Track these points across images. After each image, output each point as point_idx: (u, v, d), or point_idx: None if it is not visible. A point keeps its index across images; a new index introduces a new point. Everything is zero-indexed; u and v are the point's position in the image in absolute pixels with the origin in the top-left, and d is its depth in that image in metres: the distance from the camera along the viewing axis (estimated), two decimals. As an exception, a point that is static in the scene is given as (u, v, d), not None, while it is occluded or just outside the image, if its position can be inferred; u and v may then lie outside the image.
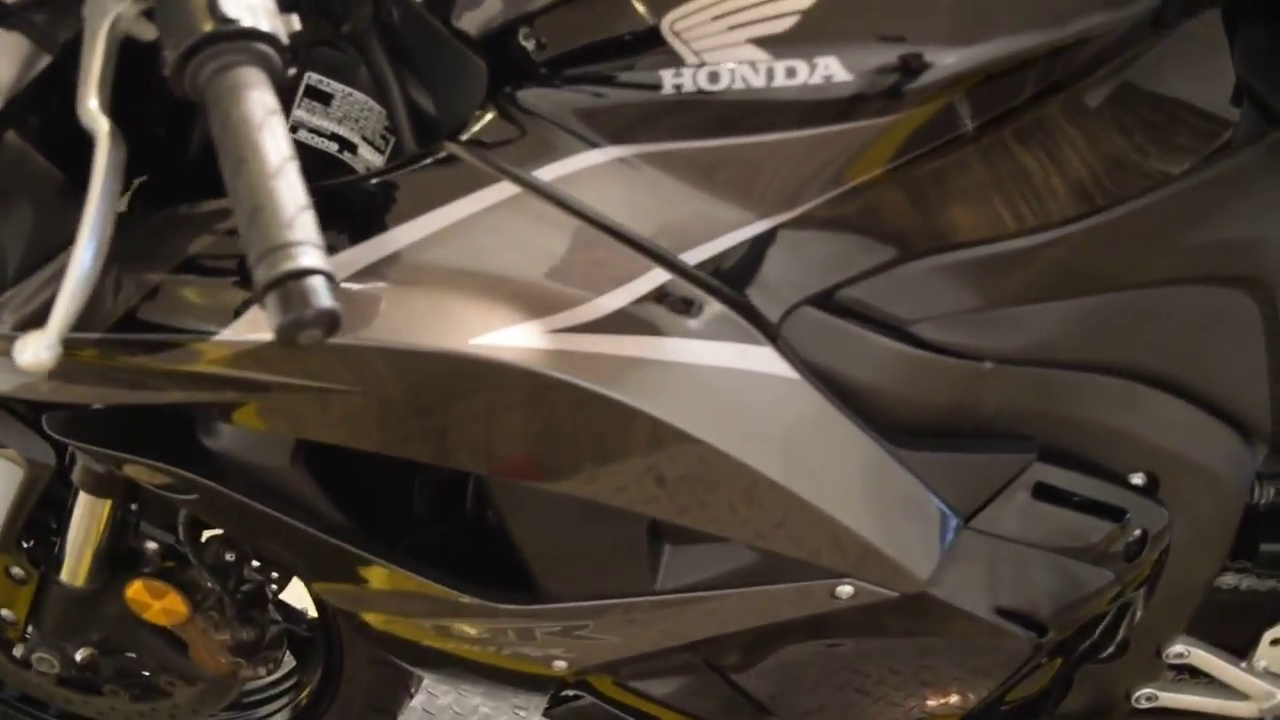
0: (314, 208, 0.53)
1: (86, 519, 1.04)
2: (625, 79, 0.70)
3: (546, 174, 0.71)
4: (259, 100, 0.54)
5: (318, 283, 0.50)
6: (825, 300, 0.75)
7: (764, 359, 0.74)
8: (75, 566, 1.07)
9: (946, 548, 0.82)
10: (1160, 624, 0.98)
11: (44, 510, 1.10)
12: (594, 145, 0.71)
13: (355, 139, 0.78)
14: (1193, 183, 0.78)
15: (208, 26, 0.54)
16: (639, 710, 0.95)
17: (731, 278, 0.73)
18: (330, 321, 0.50)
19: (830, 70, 0.67)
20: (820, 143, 0.70)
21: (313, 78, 0.77)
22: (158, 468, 0.83)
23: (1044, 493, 0.86)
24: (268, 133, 0.54)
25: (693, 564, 0.83)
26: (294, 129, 0.77)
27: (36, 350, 0.60)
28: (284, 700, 1.36)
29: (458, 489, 0.89)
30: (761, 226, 0.72)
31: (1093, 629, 0.93)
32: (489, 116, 0.72)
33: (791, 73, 0.67)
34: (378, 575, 0.87)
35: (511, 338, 0.69)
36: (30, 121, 0.70)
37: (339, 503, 0.85)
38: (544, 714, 1.01)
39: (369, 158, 0.78)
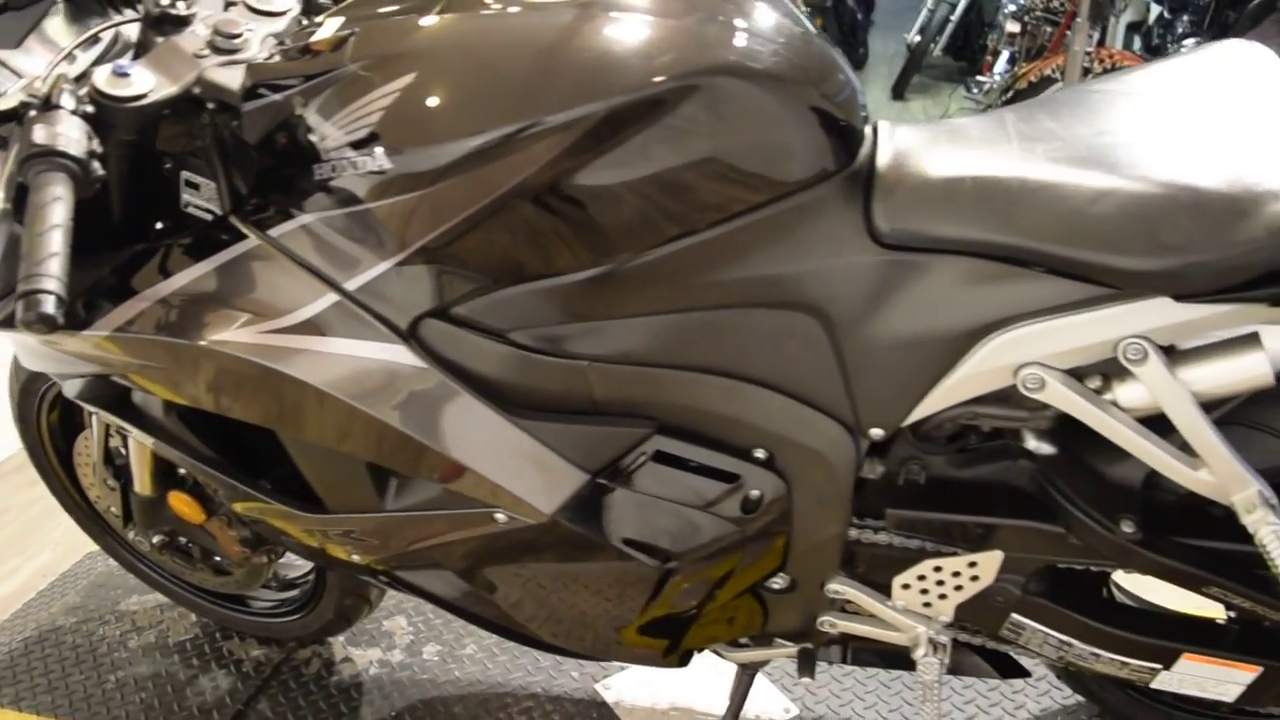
0: (64, 256, 0.92)
1: (137, 450, 1.56)
2: (304, 172, 1.07)
3: (275, 232, 1.11)
4: (50, 192, 0.96)
5: (46, 299, 0.91)
6: (443, 314, 1.09)
7: (398, 353, 1.09)
8: (139, 480, 1.59)
9: (574, 492, 1.14)
10: (816, 566, 1.23)
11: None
12: (295, 215, 1.09)
13: (217, 210, 1.20)
14: (739, 225, 1.04)
15: (29, 151, 0.98)
16: (413, 588, 1.33)
17: (375, 297, 1.09)
18: (50, 323, 0.91)
19: (381, 161, 1.01)
20: (395, 208, 1.03)
21: (186, 174, 1.21)
22: (103, 415, 1.31)
23: (663, 458, 1.15)
24: (47, 211, 0.95)
25: (405, 492, 1.20)
26: (185, 206, 1.21)
27: None
28: (301, 587, 1.85)
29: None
30: (385, 265, 1.07)
31: (737, 565, 1.19)
32: (255, 197, 1.13)
33: (364, 163, 1.02)
34: (247, 496, 1.30)
35: (234, 336, 1.09)
36: None
37: (214, 445, 1.29)
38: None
39: None
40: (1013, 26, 4.46)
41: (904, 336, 1.07)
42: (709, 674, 1.73)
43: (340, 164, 1.04)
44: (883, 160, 1.07)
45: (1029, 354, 1.04)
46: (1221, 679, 1.25)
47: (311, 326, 1.09)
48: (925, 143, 1.09)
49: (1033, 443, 1.18)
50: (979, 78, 4.91)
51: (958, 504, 1.18)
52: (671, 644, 1.30)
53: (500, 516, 1.15)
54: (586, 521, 1.15)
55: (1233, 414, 1.14)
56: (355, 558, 1.30)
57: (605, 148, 0.99)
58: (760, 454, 1.16)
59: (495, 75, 1.00)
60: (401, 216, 1.03)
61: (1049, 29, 4.33)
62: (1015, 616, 1.25)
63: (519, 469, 1.12)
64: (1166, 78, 1.12)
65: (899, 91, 5.92)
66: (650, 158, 1.00)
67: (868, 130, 1.11)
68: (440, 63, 1.02)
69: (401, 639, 1.85)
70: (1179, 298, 0.97)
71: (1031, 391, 1.06)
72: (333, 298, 1.09)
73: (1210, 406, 1.08)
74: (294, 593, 1.86)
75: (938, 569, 1.22)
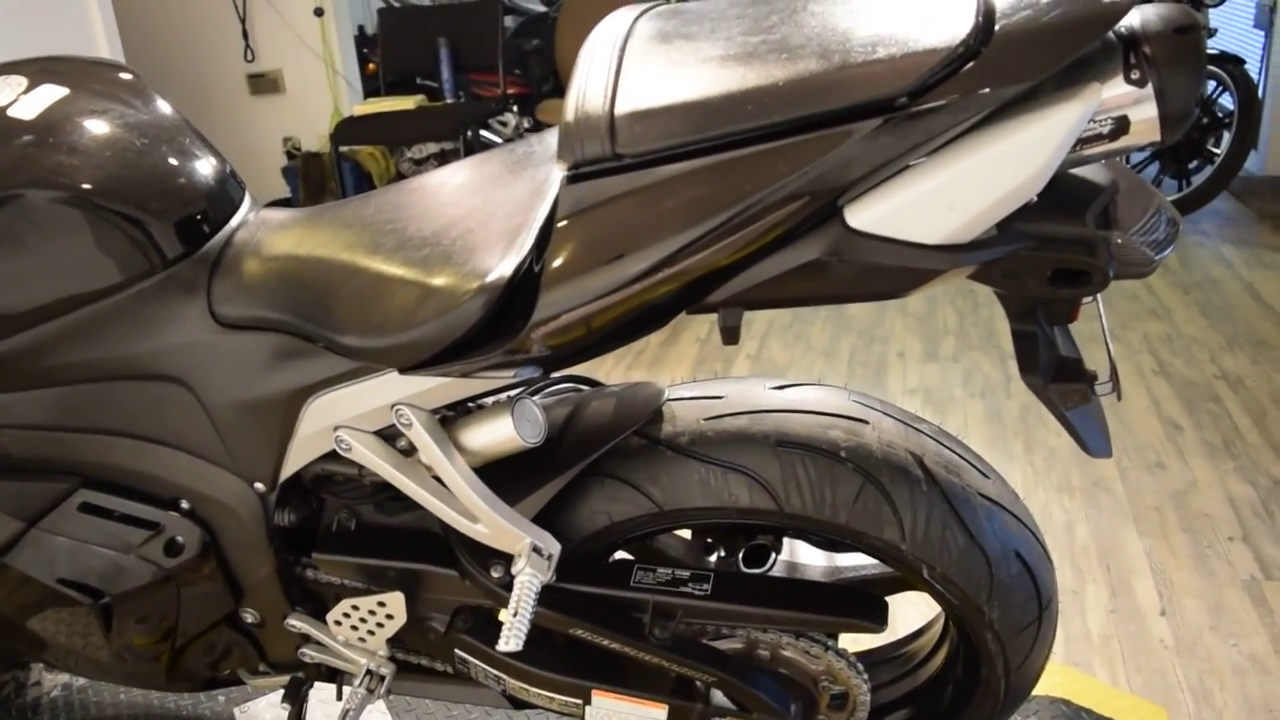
0: None
1: None
2: None
3: None
4: None
5: None
6: None
7: None
8: None
9: (9, 538, 1.30)
10: (270, 602, 1.37)
11: None
12: None
13: None
14: (86, 313, 1.19)
15: None
16: None
17: None
18: None
19: None
20: None
21: None
22: None
23: (90, 509, 1.30)
24: None
25: None
26: None
27: None
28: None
29: None
30: None
31: (181, 602, 1.34)
32: None
33: None
34: None
35: None
36: None
37: None
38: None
39: None
40: None
41: (252, 402, 1.21)
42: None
43: None
44: (233, 247, 1.22)
45: (336, 418, 1.17)
46: (641, 717, 1.35)
47: None
48: (280, 229, 1.23)
49: None
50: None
51: (367, 549, 1.31)
52: (172, 670, 1.44)
53: (-48, 559, 1.32)
54: (27, 563, 1.31)
55: (601, 466, 1.25)
56: None
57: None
58: (185, 505, 1.31)
59: None
60: None
61: None
62: (457, 651, 1.37)
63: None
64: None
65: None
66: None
67: (240, 216, 1.26)
68: None
69: (90, 664, 2.03)
70: (404, 370, 1.09)
71: (345, 452, 1.19)
72: None
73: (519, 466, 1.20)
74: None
75: (355, 607, 1.35)
